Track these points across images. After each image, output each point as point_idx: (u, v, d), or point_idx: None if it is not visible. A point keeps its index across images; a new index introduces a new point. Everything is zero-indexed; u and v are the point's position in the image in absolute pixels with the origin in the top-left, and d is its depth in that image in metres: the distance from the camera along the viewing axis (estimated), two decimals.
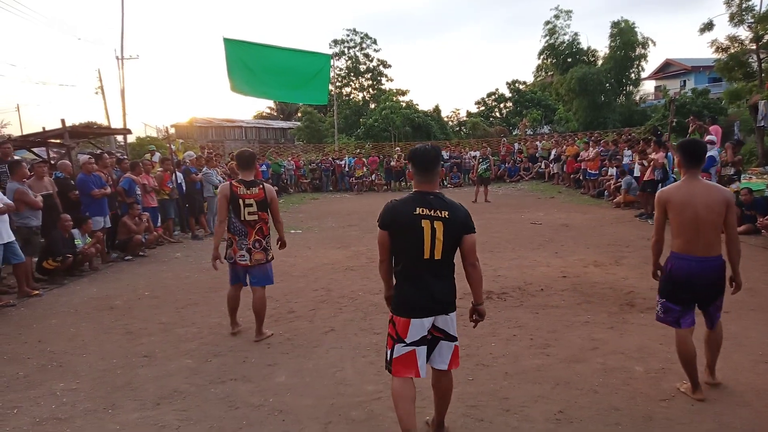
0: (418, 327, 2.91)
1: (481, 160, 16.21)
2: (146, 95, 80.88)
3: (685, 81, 39.98)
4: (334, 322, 5.43)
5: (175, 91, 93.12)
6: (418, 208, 2.86)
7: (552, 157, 20.40)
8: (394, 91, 38.62)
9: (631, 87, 32.13)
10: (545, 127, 35.41)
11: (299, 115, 41.41)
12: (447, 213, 2.87)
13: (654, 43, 29.83)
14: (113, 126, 24.03)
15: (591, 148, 16.67)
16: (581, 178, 17.21)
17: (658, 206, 3.61)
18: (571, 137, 21.58)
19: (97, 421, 3.52)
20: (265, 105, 52.74)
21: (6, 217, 6.52)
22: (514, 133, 33.51)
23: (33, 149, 14.53)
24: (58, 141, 12.96)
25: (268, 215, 4.92)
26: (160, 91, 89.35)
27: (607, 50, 30.79)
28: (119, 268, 8.65)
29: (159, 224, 10.69)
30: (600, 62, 31.27)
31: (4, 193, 6.86)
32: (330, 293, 6.51)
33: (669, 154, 10.69)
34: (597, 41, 77.58)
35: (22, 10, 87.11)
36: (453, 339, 3.01)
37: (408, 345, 2.91)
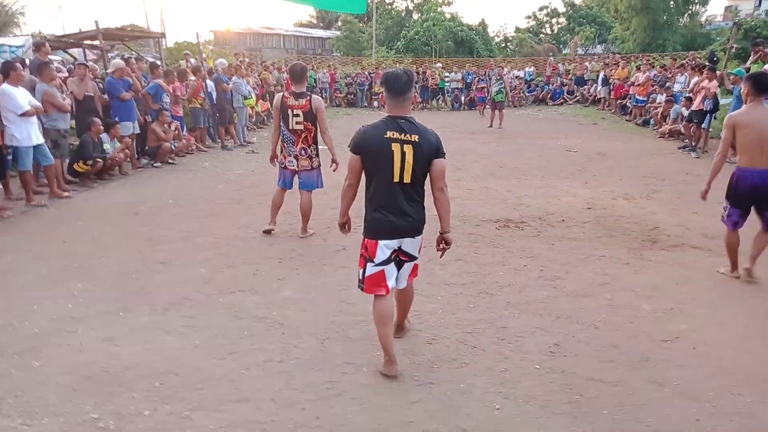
0: (385, 249, 3.03)
1: (494, 81, 15.33)
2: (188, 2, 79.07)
3: (761, 1, 36.29)
4: (347, 241, 5.40)
5: None
6: (388, 132, 2.90)
7: (600, 79, 19.22)
8: (439, 1, 36.57)
9: (697, 6, 29.42)
10: (598, 47, 33.24)
11: (339, 24, 39.97)
12: (417, 137, 2.90)
13: None
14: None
15: (642, 72, 15.58)
16: (628, 104, 16.27)
17: (727, 128, 4.25)
18: (623, 59, 20.13)
19: (108, 323, 3.70)
20: (306, 13, 51.06)
21: (35, 119, 6.64)
22: (563, 52, 31.63)
23: (69, 50, 14.58)
24: (93, 42, 12.94)
25: (315, 126, 5.20)
26: None
27: None
28: (148, 174, 8.85)
29: (188, 132, 10.76)
30: None
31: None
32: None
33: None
34: None
35: None
36: (414, 259, 3.16)
37: (377, 265, 3.04)
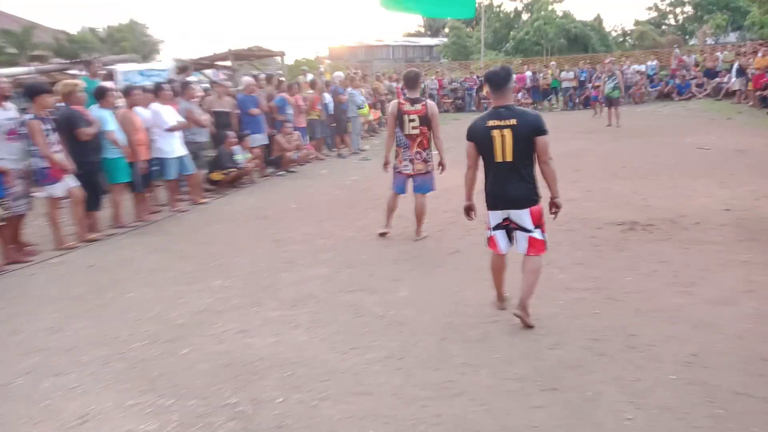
0: (495, 217, 3.63)
1: (607, 78, 14.33)
2: (302, 20, 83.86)
3: None
4: (461, 244, 5.47)
5: (329, 13, 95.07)
6: (489, 121, 3.49)
7: (735, 70, 17.38)
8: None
9: None
10: (731, 35, 30.12)
11: (446, 30, 40.05)
12: (515, 120, 3.42)
13: None
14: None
15: None
16: None
17: None
18: (763, 46, 18.07)
19: (243, 316, 4.05)
20: (414, 23, 51.82)
21: (179, 133, 7.42)
22: (691, 43, 29.06)
23: (204, 71, 16.07)
24: (225, 63, 14.18)
25: (429, 130, 5.37)
26: (316, 13, 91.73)
27: None
28: (273, 182, 9.51)
29: (308, 143, 11.38)
30: None
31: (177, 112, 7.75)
32: (460, 215, 6.33)
33: None
34: None
35: None
36: (527, 231, 3.55)
37: (491, 230, 3.68)
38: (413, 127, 5.31)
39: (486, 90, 4.88)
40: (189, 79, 11.61)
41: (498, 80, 3.52)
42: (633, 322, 3.61)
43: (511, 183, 3.50)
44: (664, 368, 3.05)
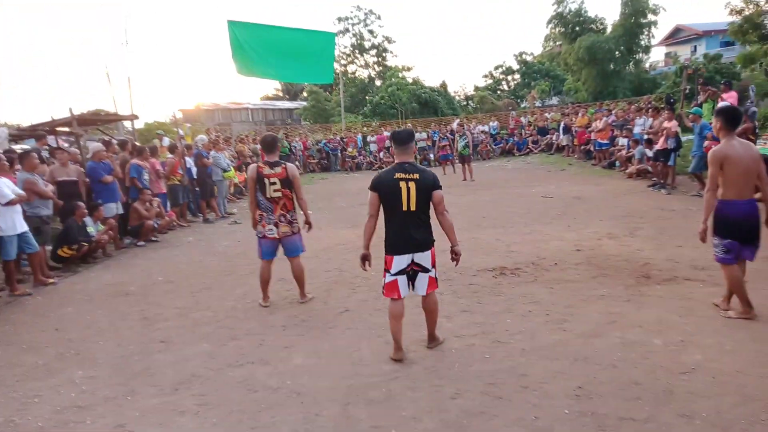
0: (400, 262, 3.89)
1: (459, 137, 16.01)
2: (152, 81, 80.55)
3: (696, 46, 39.08)
4: (349, 302, 5.43)
5: (181, 76, 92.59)
6: (396, 173, 3.84)
7: (561, 128, 20.09)
8: (400, 67, 38.23)
9: (641, 54, 31.43)
10: (554, 98, 34.94)
11: (305, 94, 41.10)
12: (417, 175, 3.83)
13: (665, 10, 29.06)
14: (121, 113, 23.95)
15: (601, 118, 16.38)
16: (592, 149, 16.97)
17: (715, 163, 4.20)
18: (581, 108, 21.20)
19: (117, 408, 3.55)
20: (271, 86, 52.43)
21: (19, 207, 6.54)
22: (522, 106, 33.08)
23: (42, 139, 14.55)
24: (66, 129, 12.96)
25: (291, 192, 5.33)
26: (167, 76, 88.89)
27: (617, 17, 30.08)
28: (133, 253, 8.70)
29: (168, 209, 10.70)
30: (608, 30, 30.58)
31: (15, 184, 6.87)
32: (343, 273, 6.50)
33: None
34: (605, 9, 75.79)
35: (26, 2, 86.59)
36: (428, 271, 3.94)
37: (392, 275, 3.92)
38: (275, 190, 5.23)
39: (391, 148, 5.23)
40: (24, 146, 10.44)
41: (402, 139, 3.97)
42: (521, 363, 3.82)
43: (417, 229, 3.86)
44: (557, 403, 3.24)
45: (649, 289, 5.14)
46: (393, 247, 3.91)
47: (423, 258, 3.89)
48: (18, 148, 12.04)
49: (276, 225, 5.30)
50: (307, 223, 5.52)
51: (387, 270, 3.94)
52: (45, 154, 10.04)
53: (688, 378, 3.44)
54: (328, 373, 3.88)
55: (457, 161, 16.46)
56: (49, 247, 7.63)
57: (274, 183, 5.22)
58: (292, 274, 5.50)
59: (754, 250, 4.31)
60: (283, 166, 5.30)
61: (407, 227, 3.84)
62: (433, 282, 3.99)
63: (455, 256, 3.97)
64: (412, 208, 3.80)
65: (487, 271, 6.14)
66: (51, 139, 14.74)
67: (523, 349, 4.04)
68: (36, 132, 12.97)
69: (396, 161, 3.96)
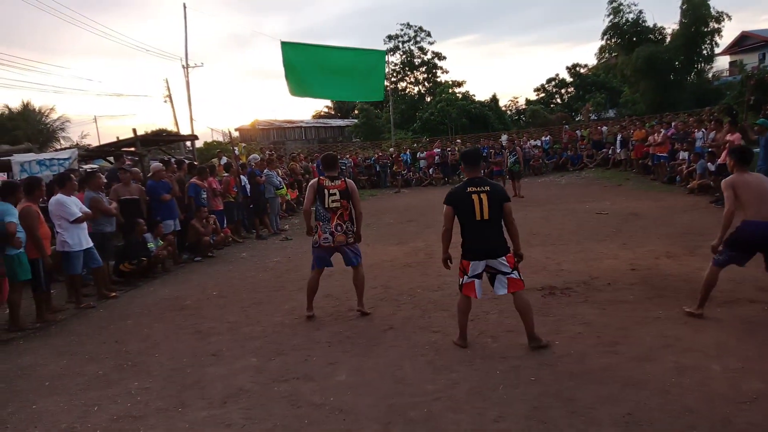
0: (475, 267, 4.34)
1: (509, 154, 15.74)
2: (211, 101, 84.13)
3: (764, 54, 37.00)
4: (393, 320, 5.44)
5: (237, 95, 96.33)
6: (468, 188, 4.36)
7: (618, 141, 19.47)
8: (450, 83, 38.25)
9: (703, 64, 30.04)
10: (610, 111, 33.95)
11: (356, 112, 41.79)
12: (488, 188, 4.37)
13: (729, 18, 27.65)
14: (182, 132, 25.19)
15: (659, 132, 15.77)
16: (650, 163, 16.34)
17: (728, 188, 4.65)
18: (638, 120, 20.48)
19: (168, 420, 3.69)
20: (323, 104, 53.62)
21: (85, 224, 6.96)
22: (576, 119, 32.31)
23: (108, 158, 15.45)
24: (131, 149, 13.73)
25: (349, 203, 5.58)
26: (224, 96, 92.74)
27: (675, 26, 28.95)
28: (189, 269, 9.06)
29: (225, 226, 11.09)
30: (668, 40, 29.47)
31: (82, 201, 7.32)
32: (388, 290, 6.52)
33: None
34: (664, 18, 73.07)
35: (93, 25, 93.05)
36: (505, 273, 4.31)
37: (470, 278, 4.36)
38: (333, 201, 5.49)
39: (461, 165, 5.52)
40: (93, 166, 11.14)
41: (471, 158, 4.62)
42: (568, 386, 3.70)
43: (490, 236, 4.31)
44: (605, 430, 3.12)
45: (709, 311, 4.87)
46: (469, 253, 4.35)
47: (497, 263, 4.29)
48: (87, 167, 12.88)
49: (332, 234, 5.52)
50: (357, 234, 5.68)
51: (465, 272, 4.37)
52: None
53: (749, 408, 3.23)
54: (371, 391, 3.90)
55: (507, 177, 16.25)
56: (111, 262, 8.06)
57: (334, 194, 5.51)
58: (353, 282, 5.69)
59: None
60: (343, 179, 5.64)
61: (481, 234, 4.30)
62: (515, 282, 4.32)
63: (518, 259, 4.43)
64: (485, 216, 4.25)
65: (536, 290, 6.00)
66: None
67: (571, 372, 3.91)
68: (103, 152, 13.81)
69: (467, 177, 4.51)
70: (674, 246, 7.51)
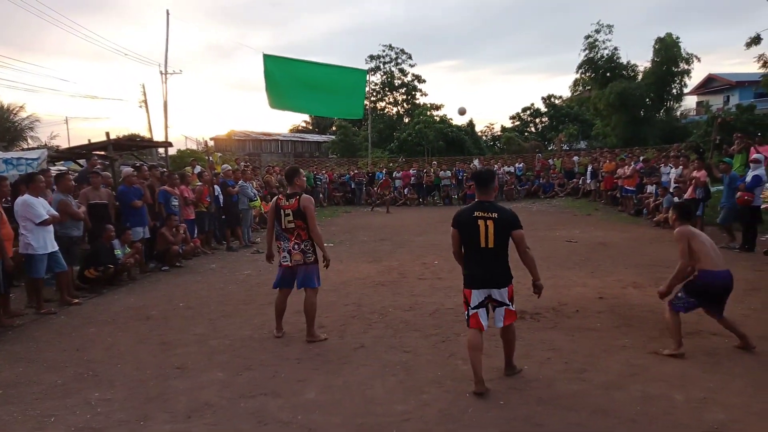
0: (477, 295, 4.07)
1: None
2: (188, 109, 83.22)
3: (728, 96, 38.68)
4: (364, 338, 5.41)
5: (215, 105, 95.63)
6: (476, 212, 4.07)
7: (589, 172, 19.98)
8: (428, 105, 38.73)
9: (672, 102, 31.22)
10: (582, 142, 34.85)
11: (334, 128, 41.91)
12: (496, 214, 4.02)
13: (698, 60, 28.91)
14: (155, 139, 24.80)
15: (629, 165, 16.27)
16: (619, 195, 16.79)
17: (682, 240, 4.67)
18: (609, 153, 21.08)
19: None
20: (300, 118, 53.63)
21: (51, 227, 6.76)
22: (549, 149, 33.05)
23: (78, 161, 15.09)
24: (102, 153, 13.44)
25: (305, 223, 5.36)
26: (201, 104, 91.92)
27: (648, 64, 30.07)
28: (156, 278, 8.85)
29: (196, 235, 10.90)
30: (640, 77, 30.57)
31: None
32: (360, 308, 6.49)
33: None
34: (636, 55, 76.14)
35: (71, 25, 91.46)
36: (505, 305, 4.11)
37: (472, 309, 4.10)
38: (288, 221, 5.34)
39: (471, 186, 5.44)
40: (61, 168, 10.86)
41: (483, 179, 4.20)
42: (537, 411, 3.73)
43: (494, 265, 4.07)
44: None
45: (674, 342, 4.99)
46: (471, 281, 4.11)
47: (500, 294, 4.08)
48: (55, 169, 12.53)
49: (289, 252, 5.36)
50: (324, 258, 5.42)
51: (468, 304, 4.13)
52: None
53: None
54: (340, 410, 3.85)
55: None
56: (76, 268, 7.82)
57: (288, 214, 5.33)
58: (303, 307, 5.39)
59: (720, 310, 4.73)
60: (297, 198, 5.35)
61: (485, 263, 4.05)
62: (511, 314, 4.15)
63: (537, 290, 4.22)
64: (490, 245, 3.99)
65: None
66: (85, 162, 15.33)
67: (540, 397, 3.94)
68: (73, 153, 13.49)
69: (477, 199, 4.18)
70: (641, 276, 7.69)
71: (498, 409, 3.78)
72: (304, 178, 6.59)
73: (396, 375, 4.43)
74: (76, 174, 10.07)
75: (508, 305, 4.12)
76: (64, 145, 26.22)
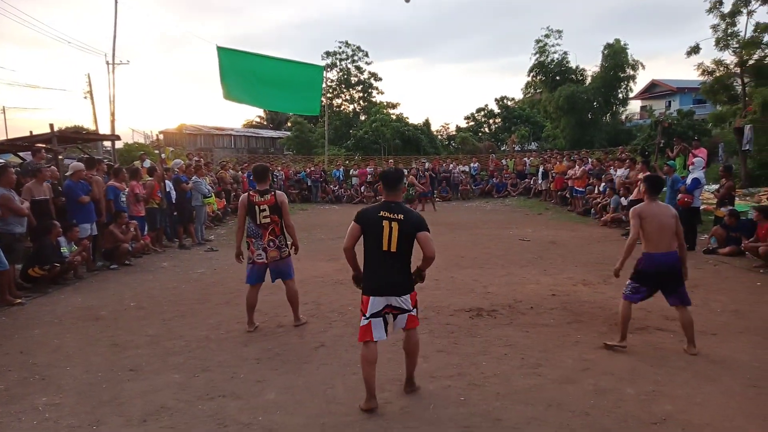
0: (375, 303, 3.78)
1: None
2: (136, 101, 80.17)
3: (670, 102, 40.67)
4: (324, 337, 5.39)
5: (165, 97, 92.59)
6: (382, 212, 3.81)
7: (540, 173, 20.58)
8: (385, 104, 38.82)
9: (618, 106, 32.54)
10: (533, 143, 35.79)
11: (289, 125, 41.38)
12: (402, 216, 3.78)
13: (643, 66, 30.24)
14: (101, 131, 23.79)
15: (578, 166, 16.86)
16: (568, 195, 17.36)
17: (634, 218, 4.87)
18: (559, 154, 21.79)
19: None
20: (254, 114, 52.64)
21: None
22: (502, 149, 33.80)
23: (19, 153, 14.31)
24: (45, 146, 12.79)
25: (280, 218, 5.52)
26: (150, 97, 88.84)
27: (596, 69, 31.21)
28: (104, 277, 8.52)
29: (146, 233, 10.55)
30: (588, 81, 31.68)
31: None
32: (319, 307, 6.46)
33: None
34: (586, 60, 78.99)
35: (6, 8, 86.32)
36: (407, 311, 3.85)
37: (367, 318, 3.79)
38: (264, 217, 5.45)
39: (379, 186, 5.43)
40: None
41: (391, 179, 3.97)
42: (496, 407, 3.82)
43: (395, 271, 3.81)
44: None
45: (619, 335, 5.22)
46: (369, 287, 3.82)
47: (401, 302, 3.82)
48: None
49: (265, 250, 5.48)
50: (294, 245, 5.70)
51: (363, 313, 3.83)
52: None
53: (658, 428, 3.49)
54: (301, 410, 3.83)
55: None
56: (18, 266, 7.43)
57: (264, 210, 5.44)
58: (286, 296, 5.68)
59: (677, 297, 4.84)
60: (272, 193, 5.53)
61: (385, 268, 3.78)
62: (413, 319, 3.92)
63: (419, 279, 4.02)
64: (393, 249, 3.74)
65: (464, 311, 6.18)
66: (27, 155, 14.56)
67: (498, 392, 4.04)
68: (14, 146, 12.79)
69: (384, 199, 3.95)
70: (590, 274, 7.99)
71: (458, 405, 3.86)
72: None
73: (357, 374, 4.40)
74: (18, 168, 9.53)
75: (411, 311, 3.87)
76: (2, 137, 24.80)
